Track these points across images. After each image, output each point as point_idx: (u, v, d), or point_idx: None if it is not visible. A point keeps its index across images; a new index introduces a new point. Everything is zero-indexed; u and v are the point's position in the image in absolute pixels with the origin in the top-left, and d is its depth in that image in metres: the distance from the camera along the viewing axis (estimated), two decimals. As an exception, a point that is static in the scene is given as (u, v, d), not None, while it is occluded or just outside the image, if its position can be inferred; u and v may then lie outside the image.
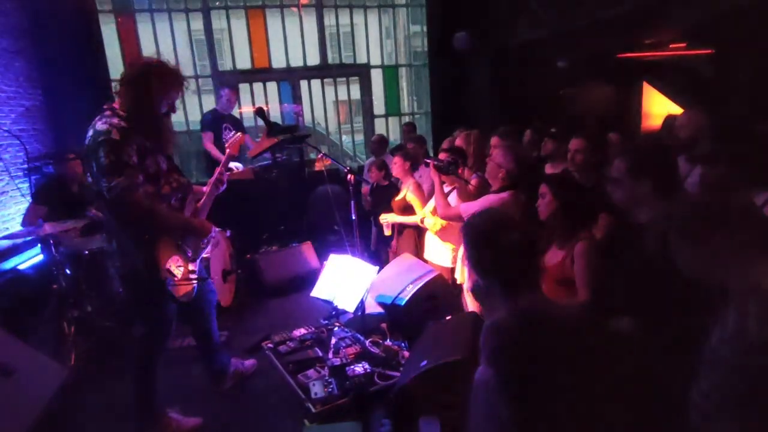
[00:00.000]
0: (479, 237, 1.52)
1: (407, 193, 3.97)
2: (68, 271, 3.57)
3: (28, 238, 3.94)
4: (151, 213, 2.16)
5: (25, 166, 4.26)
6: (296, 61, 6.96)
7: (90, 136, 2.12)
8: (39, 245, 4.02)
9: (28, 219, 3.80)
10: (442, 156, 3.40)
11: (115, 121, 2.11)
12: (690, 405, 1.31)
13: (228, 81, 6.20)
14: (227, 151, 2.85)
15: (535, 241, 1.54)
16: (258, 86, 6.90)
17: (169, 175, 2.36)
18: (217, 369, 2.89)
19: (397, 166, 4.10)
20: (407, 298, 3.19)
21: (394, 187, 4.39)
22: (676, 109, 6.38)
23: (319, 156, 6.42)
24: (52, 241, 3.42)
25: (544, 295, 1.54)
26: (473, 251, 1.53)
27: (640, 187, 1.88)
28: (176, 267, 2.32)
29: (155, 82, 2.20)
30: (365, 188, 4.97)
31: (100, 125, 2.10)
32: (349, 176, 3.63)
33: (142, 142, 2.17)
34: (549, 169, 3.84)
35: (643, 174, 1.88)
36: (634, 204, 1.93)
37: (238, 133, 3.19)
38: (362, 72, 7.40)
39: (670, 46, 6.21)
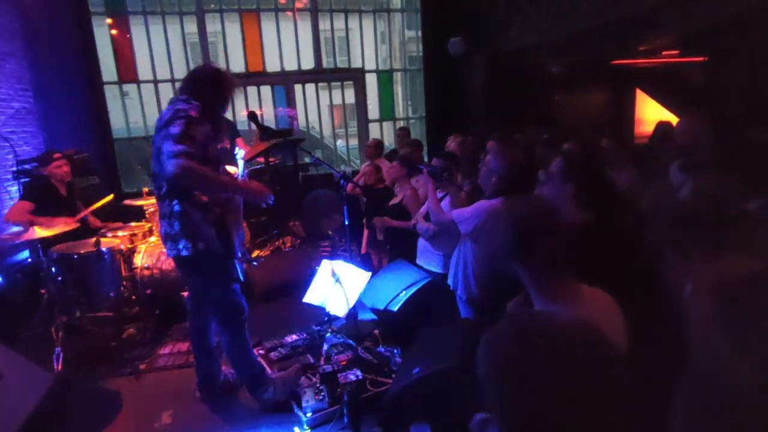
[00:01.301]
0: (527, 220, 1.50)
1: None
2: (57, 276, 3.51)
3: (17, 242, 3.89)
4: (208, 175, 2.39)
5: (14, 168, 4.19)
6: (291, 65, 6.95)
7: (167, 111, 2.40)
8: (27, 249, 3.96)
9: (14, 212, 3.73)
10: (434, 162, 3.39)
11: (194, 104, 2.43)
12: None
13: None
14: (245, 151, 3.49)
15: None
16: (252, 90, 6.88)
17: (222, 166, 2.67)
18: (208, 375, 2.85)
19: (394, 170, 4.08)
20: (400, 304, 3.17)
21: (389, 191, 4.36)
22: (669, 116, 6.42)
23: (313, 160, 6.41)
24: (40, 245, 3.37)
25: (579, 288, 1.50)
26: (519, 233, 1.50)
27: (563, 190, 1.99)
28: (240, 244, 2.59)
29: (224, 82, 2.57)
30: (351, 188, 4.91)
31: (181, 105, 2.40)
32: (342, 181, 3.62)
33: (209, 129, 2.46)
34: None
35: (569, 178, 1.97)
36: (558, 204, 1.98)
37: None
38: (357, 76, 7.40)
39: (663, 53, 6.25)
